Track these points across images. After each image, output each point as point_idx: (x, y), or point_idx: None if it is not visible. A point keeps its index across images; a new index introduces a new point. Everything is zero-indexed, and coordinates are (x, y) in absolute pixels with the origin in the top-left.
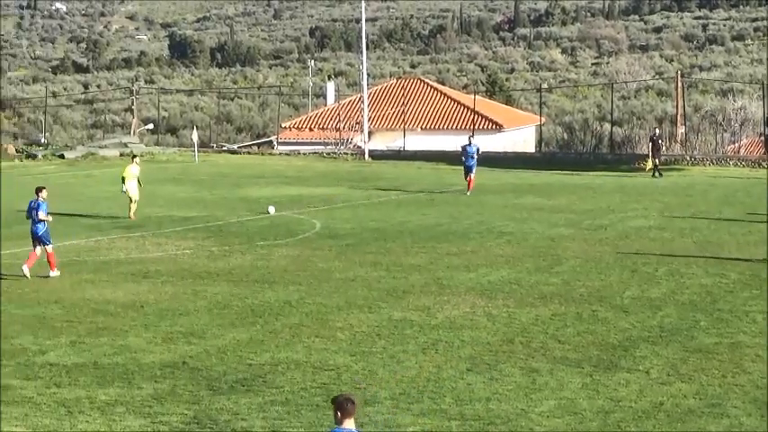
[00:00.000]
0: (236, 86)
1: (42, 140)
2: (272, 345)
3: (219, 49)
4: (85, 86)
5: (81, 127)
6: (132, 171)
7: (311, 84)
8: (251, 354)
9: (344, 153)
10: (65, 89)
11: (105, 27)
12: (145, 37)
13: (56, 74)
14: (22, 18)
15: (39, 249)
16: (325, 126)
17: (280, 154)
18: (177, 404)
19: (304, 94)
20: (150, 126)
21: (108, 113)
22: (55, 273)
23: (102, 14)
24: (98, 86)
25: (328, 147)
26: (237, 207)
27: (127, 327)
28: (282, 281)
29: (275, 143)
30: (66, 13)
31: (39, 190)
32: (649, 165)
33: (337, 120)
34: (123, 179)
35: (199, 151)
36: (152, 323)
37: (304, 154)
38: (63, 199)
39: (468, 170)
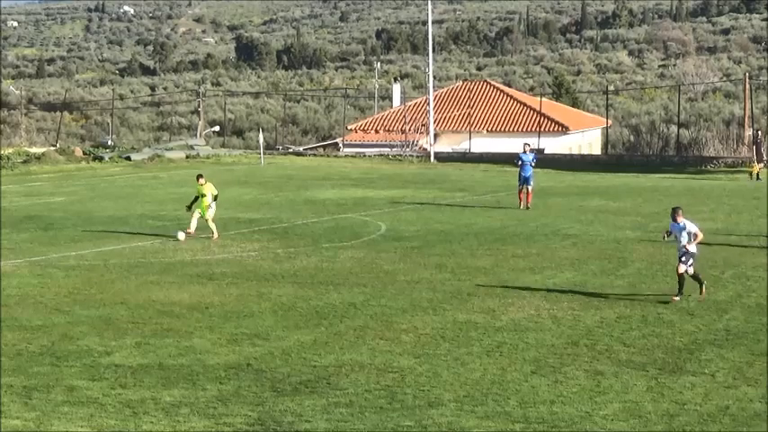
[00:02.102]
0: (302, 89)
1: (109, 142)
2: (336, 346)
3: (286, 52)
4: (152, 89)
5: (147, 129)
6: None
7: (377, 86)
8: (315, 355)
9: (410, 155)
10: (132, 91)
11: (172, 29)
12: (211, 39)
13: (123, 76)
14: (90, 21)
15: None
16: (390, 128)
17: (345, 156)
18: (241, 405)
19: (370, 97)
20: (216, 128)
21: (174, 116)
22: None
23: (170, 17)
24: (165, 89)
25: (394, 149)
26: (303, 209)
27: (192, 328)
28: (347, 283)
29: (341, 145)
30: (134, 16)
31: None
32: (757, 168)
33: (403, 122)
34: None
35: (264, 153)
36: (217, 325)
37: (369, 156)
38: (129, 201)
39: (524, 181)
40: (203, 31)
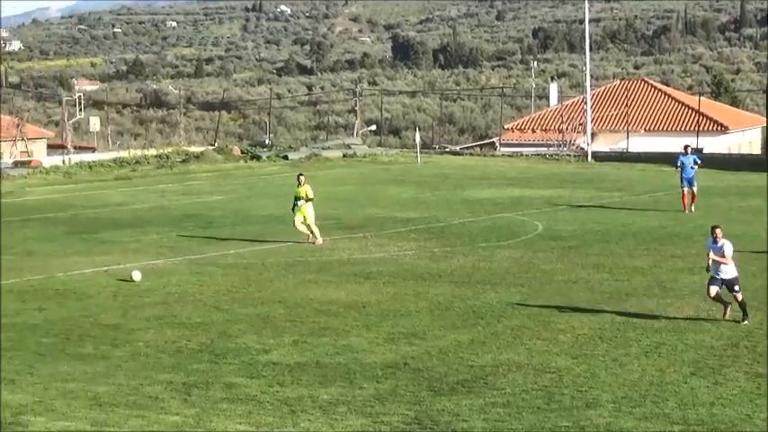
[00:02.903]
0: (458, 88)
1: (267, 142)
2: (493, 346)
3: (442, 51)
4: (309, 88)
5: (304, 128)
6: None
7: (534, 85)
8: (472, 355)
9: (567, 154)
10: (289, 91)
11: (329, 29)
12: (368, 39)
13: (280, 76)
14: (247, 20)
15: None
16: (547, 127)
17: (502, 155)
18: (398, 404)
19: (527, 96)
20: (373, 127)
21: (331, 115)
22: None
23: (326, 16)
24: (321, 88)
25: (551, 148)
26: (460, 208)
27: (349, 327)
28: (504, 282)
29: (497, 144)
30: (291, 16)
31: None
32: None
33: (560, 121)
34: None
35: (421, 152)
36: (374, 324)
37: (526, 155)
38: (286, 199)
39: (688, 183)
40: (360, 31)
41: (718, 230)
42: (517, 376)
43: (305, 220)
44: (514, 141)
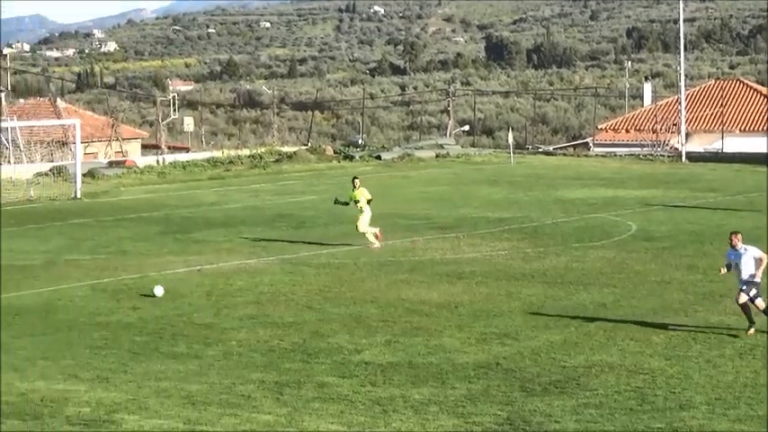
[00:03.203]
0: (552, 88)
1: (360, 142)
2: (586, 347)
3: (536, 51)
4: (402, 88)
5: (397, 128)
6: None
7: (628, 85)
8: (565, 356)
9: (661, 155)
10: (382, 91)
11: (422, 29)
12: (461, 39)
13: (373, 76)
14: (341, 21)
15: None
16: (641, 127)
17: (595, 155)
18: (490, 405)
19: (620, 96)
20: (466, 127)
21: (424, 115)
22: None
23: (420, 17)
24: (415, 88)
25: (645, 148)
26: (552, 208)
27: (441, 327)
28: (597, 283)
29: (591, 144)
30: (384, 16)
31: None
32: None
33: (654, 121)
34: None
35: (514, 152)
36: (466, 324)
37: (620, 156)
38: (379, 200)
39: None
40: (453, 31)
41: (734, 237)
42: (610, 377)
43: (357, 225)
44: (608, 141)
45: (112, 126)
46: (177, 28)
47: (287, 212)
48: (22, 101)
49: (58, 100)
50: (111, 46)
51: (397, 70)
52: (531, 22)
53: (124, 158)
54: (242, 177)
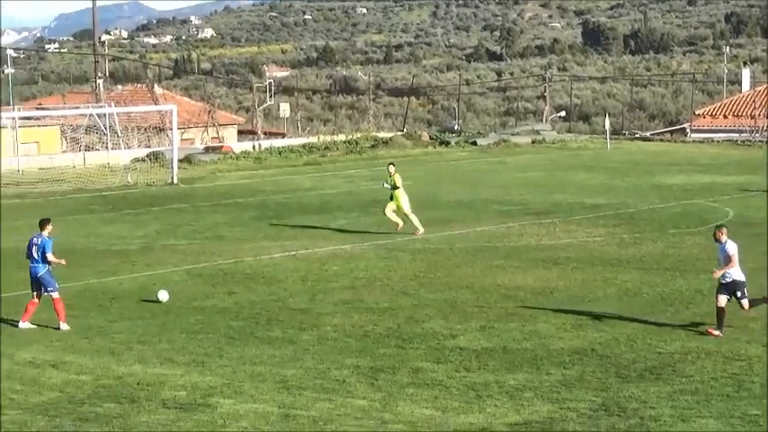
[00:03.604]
0: (649, 73)
1: (455, 127)
2: (682, 333)
3: (633, 36)
4: (498, 74)
5: (493, 114)
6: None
7: (726, 70)
8: (660, 342)
9: (759, 140)
10: (478, 77)
11: (519, 15)
12: (558, 24)
13: (469, 62)
14: (437, 7)
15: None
16: (739, 113)
17: (693, 141)
18: (585, 390)
19: (718, 81)
20: (562, 113)
21: (520, 101)
22: (64, 326)
23: (516, 2)
24: (511, 74)
25: (743, 134)
26: (649, 194)
27: (536, 312)
28: (694, 269)
29: (688, 130)
30: (481, 2)
31: (43, 224)
32: None
33: (752, 107)
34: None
35: (611, 138)
36: (561, 309)
37: (717, 141)
38: (474, 185)
39: None
40: (550, 16)
41: (719, 231)
42: (706, 363)
43: (399, 209)
44: (705, 127)
45: (209, 112)
46: (274, 14)
47: (382, 198)
48: (119, 87)
49: (156, 86)
50: (208, 32)
51: (493, 56)
52: (628, 8)
53: (220, 144)
54: (337, 163)
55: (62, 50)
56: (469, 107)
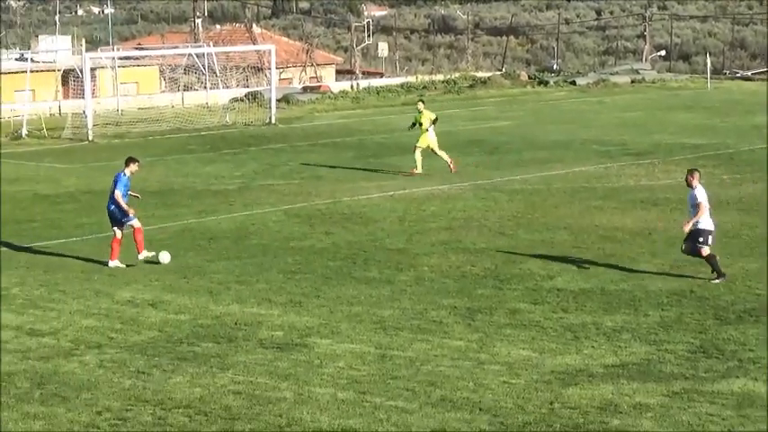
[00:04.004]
0: (751, 12)
1: (554, 67)
2: None
3: None
4: (598, 13)
5: (593, 53)
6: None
7: None
8: (759, 284)
9: None
10: (577, 16)
11: None
12: None
13: (569, 0)
14: None
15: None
16: None
17: None
18: (683, 332)
19: None
20: (662, 53)
21: (620, 40)
22: (142, 255)
23: None
24: (611, 13)
25: None
26: (750, 135)
27: (634, 254)
28: None
29: None
30: None
31: (127, 162)
32: None
33: None
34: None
35: (711, 78)
36: (660, 251)
37: None
38: (573, 125)
39: None
40: None
41: (690, 175)
42: None
43: (429, 147)
44: None
45: (307, 52)
46: None
47: (480, 138)
48: (218, 27)
49: (254, 26)
50: None
51: None
52: None
53: (319, 84)
54: (436, 103)
55: None
56: (568, 46)
